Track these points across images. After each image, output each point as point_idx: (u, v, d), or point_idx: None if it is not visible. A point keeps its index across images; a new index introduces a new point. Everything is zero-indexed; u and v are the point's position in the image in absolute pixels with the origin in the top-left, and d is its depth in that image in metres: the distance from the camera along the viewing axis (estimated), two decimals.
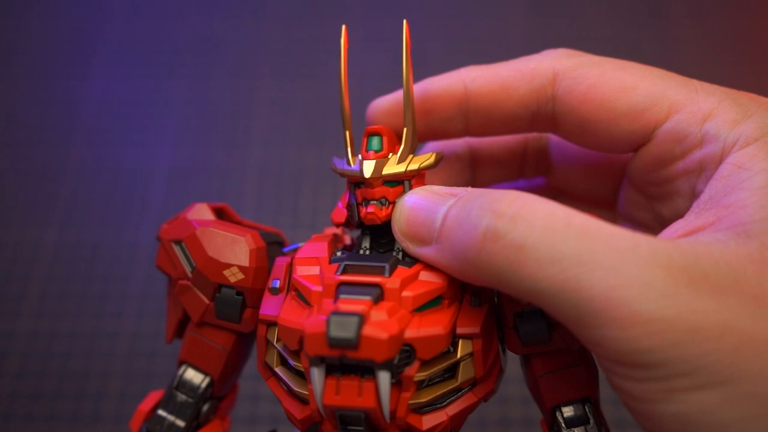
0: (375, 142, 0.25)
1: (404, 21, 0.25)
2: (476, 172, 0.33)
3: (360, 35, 0.67)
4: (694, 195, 0.25)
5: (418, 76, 0.54)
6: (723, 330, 0.18)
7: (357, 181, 0.25)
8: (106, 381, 0.50)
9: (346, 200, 0.26)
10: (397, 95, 0.29)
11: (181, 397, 0.26)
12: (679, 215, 0.24)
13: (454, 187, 0.24)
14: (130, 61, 0.66)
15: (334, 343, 0.20)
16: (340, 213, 0.26)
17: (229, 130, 0.62)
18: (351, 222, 0.25)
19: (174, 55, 0.67)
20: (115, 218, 0.57)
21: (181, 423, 0.26)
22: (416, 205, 0.23)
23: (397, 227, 0.24)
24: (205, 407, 0.26)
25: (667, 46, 0.66)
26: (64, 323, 0.52)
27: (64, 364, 0.51)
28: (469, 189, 0.23)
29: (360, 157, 0.25)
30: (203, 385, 0.26)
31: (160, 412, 0.26)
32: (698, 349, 0.18)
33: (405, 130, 0.25)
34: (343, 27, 0.25)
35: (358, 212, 0.25)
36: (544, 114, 0.27)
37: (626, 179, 0.30)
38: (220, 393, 0.27)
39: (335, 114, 0.62)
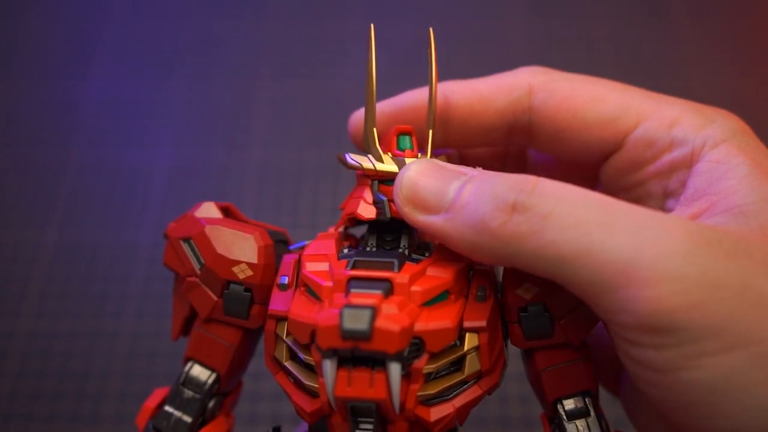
0: (407, 141, 0.26)
1: (430, 29, 0.26)
2: None
3: (359, 35, 0.67)
4: (666, 195, 0.27)
5: (419, 76, 0.54)
6: (743, 287, 0.19)
7: (389, 179, 0.25)
8: (106, 381, 0.50)
9: (370, 197, 0.26)
10: (397, 101, 0.30)
11: (188, 393, 0.26)
12: None
13: (461, 166, 0.24)
14: (130, 61, 0.66)
15: (348, 335, 0.21)
16: (370, 210, 0.26)
17: (229, 130, 0.62)
18: (381, 218, 0.26)
19: (174, 55, 0.67)
20: (115, 218, 0.57)
21: (187, 419, 0.26)
22: (424, 174, 0.24)
23: (402, 193, 0.24)
24: (211, 403, 0.27)
25: (667, 46, 0.66)
26: (64, 323, 0.52)
27: (64, 364, 0.51)
28: (480, 169, 0.24)
29: (390, 155, 0.26)
30: (210, 381, 0.26)
31: (167, 408, 0.26)
32: (722, 307, 0.19)
33: (431, 132, 0.26)
34: (372, 26, 0.26)
35: (390, 209, 0.25)
36: (521, 125, 0.29)
37: (599, 186, 0.31)
38: (226, 389, 0.27)
39: (335, 114, 0.62)
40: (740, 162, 0.24)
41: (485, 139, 0.30)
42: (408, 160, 0.25)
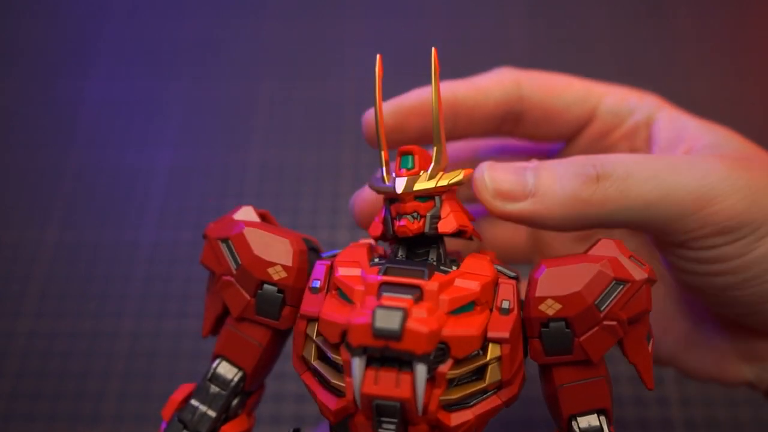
0: (407, 160, 0.27)
1: (433, 49, 0.27)
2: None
3: (359, 35, 0.67)
4: (633, 151, 0.34)
5: (419, 76, 0.54)
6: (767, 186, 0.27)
7: (391, 198, 0.27)
8: (106, 381, 0.50)
9: (383, 215, 0.28)
10: (396, 102, 0.32)
11: (214, 389, 0.27)
12: None
13: (518, 162, 0.28)
14: (131, 61, 0.67)
15: (379, 334, 0.22)
16: (377, 227, 0.28)
17: (230, 130, 0.62)
18: (386, 236, 0.27)
19: (174, 55, 0.67)
20: (115, 218, 0.57)
21: (212, 413, 0.27)
22: (500, 170, 0.28)
23: (488, 190, 0.27)
24: (235, 401, 0.28)
25: (667, 46, 0.66)
26: (64, 323, 0.52)
27: (64, 363, 0.51)
28: (535, 160, 0.28)
29: (394, 174, 0.27)
30: (236, 378, 0.27)
31: (193, 401, 0.27)
32: (765, 201, 0.27)
33: (435, 148, 0.27)
34: (378, 56, 0.27)
35: (393, 226, 0.27)
36: (513, 114, 0.34)
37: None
38: (250, 388, 0.28)
39: (336, 115, 0.62)
40: (687, 118, 0.32)
41: (485, 128, 0.34)
42: (398, 179, 0.26)
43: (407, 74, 0.63)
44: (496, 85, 0.33)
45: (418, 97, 0.32)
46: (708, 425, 0.47)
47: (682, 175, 0.26)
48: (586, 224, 0.27)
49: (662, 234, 0.28)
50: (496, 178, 0.27)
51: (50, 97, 0.64)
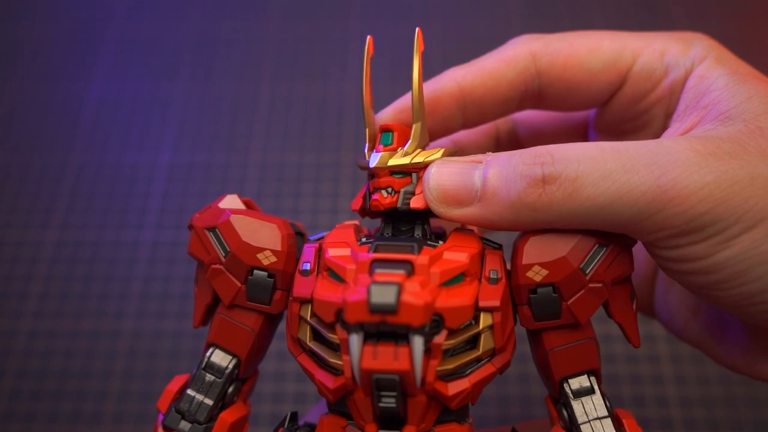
0: (387, 137, 0.27)
1: (417, 29, 0.27)
2: None
3: (359, 36, 0.68)
4: (668, 115, 0.30)
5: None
6: (751, 178, 0.23)
7: (371, 173, 0.27)
8: (107, 380, 0.50)
9: (364, 190, 0.28)
10: (397, 104, 0.31)
11: (209, 377, 0.27)
12: (657, 137, 0.30)
13: (471, 155, 0.26)
14: (131, 62, 0.67)
15: (375, 309, 0.22)
16: (358, 201, 0.28)
17: (230, 130, 0.62)
18: (365, 210, 0.28)
19: (174, 56, 0.67)
20: (115, 218, 0.57)
21: (209, 401, 0.27)
22: (446, 173, 0.26)
23: (432, 195, 0.26)
24: (230, 389, 0.28)
25: None
26: (64, 322, 0.52)
27: (65, 363, 0.51)
28: (491, 153, 0.26)
29: (373, 151, 0.27)
30: (230, 366, 0.27)
31: (190, 391, 0.27)
32: (739, 198, 0.23)
33: (414, 126, 0.27)
34: (369, 37, 0.27)
35: (369, 200, 0.27)
36: (531, 91, 0.31)
37: (593, 130, 0.34)
38: (244, 375, 0.28)
39: (336, 115, 0.62)
40: (720, 73, 0.28)
41: (500, 112, 0.32)
42: (374, 155, 0.26)
43: (408, 73, 0.63)
44: (508, 66, 0.31)
45: (433, 90, 0.31)
46: (708, 425, 0.47)
47: (638, 174, 0.23)
48: (537, 227, 0.25)
49: (625, 232, 0.26)
50: (442, 182, 0.26)
51: (51, 97, 0.64)
